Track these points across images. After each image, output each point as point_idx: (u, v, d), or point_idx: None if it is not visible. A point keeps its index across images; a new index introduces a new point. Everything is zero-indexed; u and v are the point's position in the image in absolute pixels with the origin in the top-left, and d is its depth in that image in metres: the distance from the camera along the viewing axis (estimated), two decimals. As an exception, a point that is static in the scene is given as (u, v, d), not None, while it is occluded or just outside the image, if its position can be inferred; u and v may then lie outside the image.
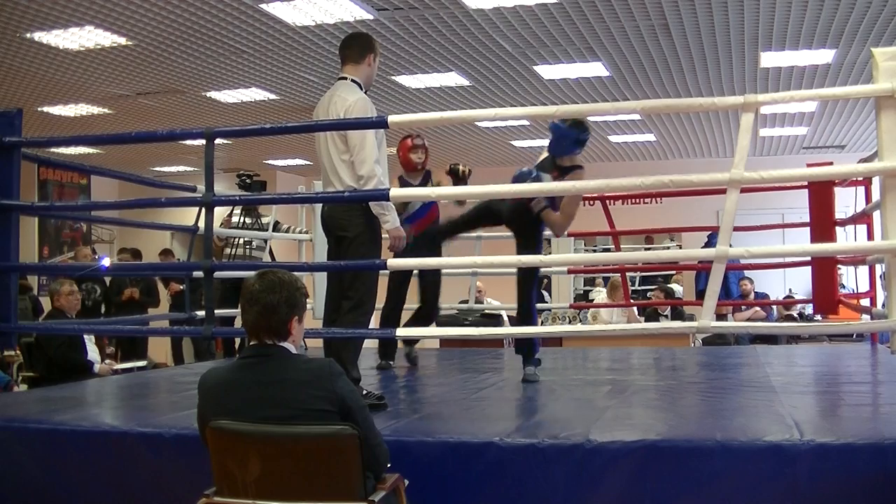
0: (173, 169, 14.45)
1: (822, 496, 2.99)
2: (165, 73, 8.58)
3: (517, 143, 12.81)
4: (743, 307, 9.97)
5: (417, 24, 7.23)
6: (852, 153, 13.12)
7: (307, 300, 2.96)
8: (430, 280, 5.81)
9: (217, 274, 4.79)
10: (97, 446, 3.65)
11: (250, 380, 2.68)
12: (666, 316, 9.83)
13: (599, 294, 12.35)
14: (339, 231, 4.25)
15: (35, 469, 3.71)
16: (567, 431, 3.33)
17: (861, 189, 6.39)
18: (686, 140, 12.69)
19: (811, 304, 7.22)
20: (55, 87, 9.08)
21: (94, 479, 3.63)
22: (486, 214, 5.11)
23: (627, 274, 8.49)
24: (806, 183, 6.27)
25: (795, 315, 10.03)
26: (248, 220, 7.78)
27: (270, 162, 14.10)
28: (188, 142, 11.02)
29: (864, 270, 6.96)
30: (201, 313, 5.28)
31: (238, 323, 3.86)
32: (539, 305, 11.21)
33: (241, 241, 7.69)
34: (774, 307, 10.16)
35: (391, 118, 4.08)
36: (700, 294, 8.37)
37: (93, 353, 7.03)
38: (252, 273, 2.82)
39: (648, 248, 12.79)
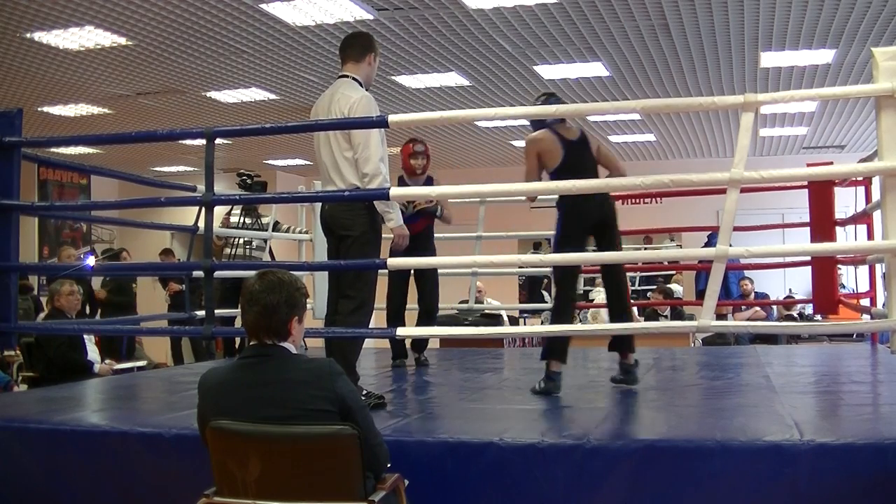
0: (173, 169, 14.46)
1: (822, 496, 2.99)
2: (165, 73, 8.58)
3: (517, 143, 12.80)
4: (743, 307, 9.97)
5: (417, 24, 7.23)
6: (852, 153, 13.12)
7: (307, 300, 2.96)
8: (428, 278, 5.84)
9: (217, 274, 4.79)
10: (97, 446, 3.65)
11: (250, 380, 2.68)
12: (665, 316, 9.84)
13: (599, 294, 12.34)
14: (342, 230, 4.24)
15: (35, 469, 3.71)
16: (567, 431, 3.34)
17: (861, 189, 6.39)
18: (686, 140, 12.69)
19: (811, 304, 7.22)
20: (55, 87, 9.08)
21: (94, 479, 3.63)
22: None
23: (628, 274, 8.48)
24: (806, 183, 6.28)
25: (795, 315, 10.03)
26: (248, 220, 7.77)
27: (270, 162, 14.11)
28: (188, 142, 11.03)
29: (864, 270, 6.96)
30: (201, 313, 5.28)
31: (238, 323, 3.86)
32: (539, 305, 11.23)
33: (241, 241, 7.68)
34: (774, 307, 10.17)
35: (391, 118, 4.08)
36: (700, 294, 8.36)
37: (93, 353, 7.03)
38: (252, 273, 2.82)
39: (647, 248, 12.79)
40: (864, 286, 6.93)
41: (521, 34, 7.49)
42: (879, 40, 7.55)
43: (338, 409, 2.64)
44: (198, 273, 5.13)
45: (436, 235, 6.01)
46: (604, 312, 9.43)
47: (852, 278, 8.26)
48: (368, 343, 7.79)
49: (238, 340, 7.28)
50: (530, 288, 14.46)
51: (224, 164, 13.40)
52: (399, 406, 4.19)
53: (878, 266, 6.10)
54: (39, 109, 10.02)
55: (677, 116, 11.00)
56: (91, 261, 11.33)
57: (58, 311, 6.88)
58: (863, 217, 6.13)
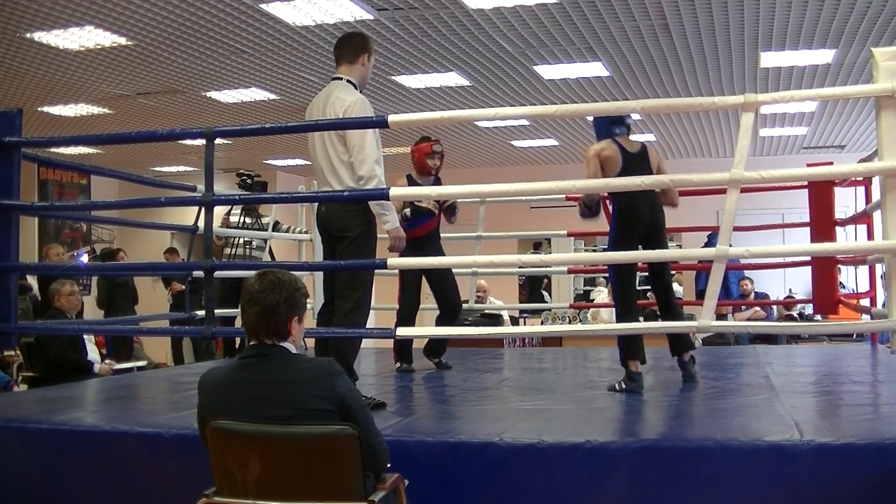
0: (173, 169, 14.46)
1: (822, 496, 2.99)
2: (165, 73, 8.58)
3: (517, 143, 12.81)
4: (743, 307, 9.97)
5: (417, 24, 7.23)
6: (852, 153, 13.12)
7: (307, 300, 2.96)
8: (449, 278, 5.70)
9: (217, 274, 4.79)
10: (97, 446, 3.65)
11: (250, 380, 2.69)
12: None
13: (600, 294, 12.35)
14: (339, 232, 4.25)
15: (35, 469, 3.71)
16: (567, 431, 3.34)
17: (861, 189, 6.39)
18: (686, 140, 12.69)
19: (811, 304, 7.22)
20: (55, 87, 9.08)
21: (94, 479, 3.63)
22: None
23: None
24: (806, 183, 6.28)
25: (795, 315, 10.03)
26: (248, 220, 7.78)
27: (270, 162, 14.11)
28: (188, 142, 11.02)
29: (864, 270, 6.96)
30: (201, 313, 5.28)
31: (238, 323, 3.86)
32: (539, 305, 11.22)
33: (241, 241, 7.69)
34: (774, 307, 10.17)
35: (391, 118, 4.08)
36: (700, 294, 8.37)
37: (93, 353, 7.03)
38: (252, 273, 2.82)
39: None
40: (864, 286, 6.93)
41: (521, 34, 7.49)
42: (879, 40, 7.54)
43: (338, 408, 2.64)
44: (198, 273, 5.12)
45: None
46: (604, 312, 9.47)
47: (852, 278, 8.26)
48: (368, 343, 7.80)
49: (238, 340, 7.28)
50: (530, 288, 14.47)
51: (224, 164, 13.40)
52: (399, 406, 4.19)
53: (878, 266, 6.10)
54: (39, 109, 10.02)
55: (677, 116, 11.00)
56: (85, 259, 11.34)
57: (58, 312, 6.88)
58: (863, 217, 6.13)
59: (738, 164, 3.72)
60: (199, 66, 8.35)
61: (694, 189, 5.45)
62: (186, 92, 9.42)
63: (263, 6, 6.70)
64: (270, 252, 7.86)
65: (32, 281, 8.48)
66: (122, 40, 7.45)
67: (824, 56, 8.12)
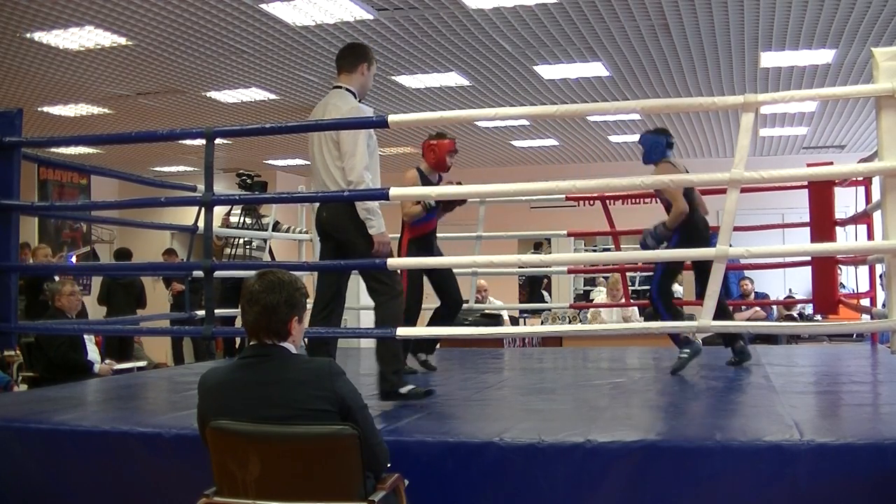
0: (173, 169, 14.46)
1: (822, 496, 2.99)
2: (165, 73, 8.58)
3: (517, 143, 12.81)
4: (743, 307, 9.97)
5: (417, 24, 7.23)
6: (852, 153, 13.12)
7: (307, 300, 2.96)
8: (449, 275, 5.63)
9: (217, 274, 4.79)
10: (97, 446, 3.65)
11: (250, 380, 2.68)
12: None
13: (600, 294, 12.35)
14: (341, 235, 4.28)
15: (35, 469, 3.71)
16: (567, 431, 3.33)
17: (861, 189, 6.39)
18: (686, 140, 12.69)
19: (811, 304, 7.22)
20: (55, 87, 9.08)
21: (94, 479, 3.63)
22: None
23: (628, 274, 8.49)
24: (806, 183, 6.27)
25: (795, 315, 10.03)
26: (248, 220, 7.78)
27: (270, 162, 14.11)
28: (188, 142, 11.02)
29: (864, 270, 6.96)
30: (201, 313, 5.28)
31: (238, 323, 3.86)
32: (539, 305, 11.21)
33: (241, 241, 7.69)
34: (774, 307, 10.16)
35: (391, 118, 4.08)
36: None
37: (93, 353, 7.03)
38: (252, 273, 2.82)
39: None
40: (864, 286, 6.93)
41: (521, 34, 7.49)
42: (879, 40, 7.54)
43: (338, 409, 2.64)
44: (198, 273, 5.12)
45: (443, 236, 5.95)
46: (604, 312, 9.46)
47: (852, 278, 8.26)
48: (368, 343, 7.79)
49: (238, 340, 7.28)
50: (530, 288, 14.46)
51: (224, 164, 13.40)
52: (399, 406, 4.19)
53: (877, 266, 6.10)
54: (39, 109, 10.02)
55: (677, 116, 11.00)
56: (74, 260, 11.34)
57: (58, 312, 6.88)
58: (863, 217, 6.13)
59: (738, 164, 3.72)
60: (199, 66, 8.35)
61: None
62: (186, 92, 9.42)
63: (263, 6, 6.70)
64: (270, 252, 7.86)
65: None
66: (122, 40, 7.45)
67: (824, 56, 8.12)
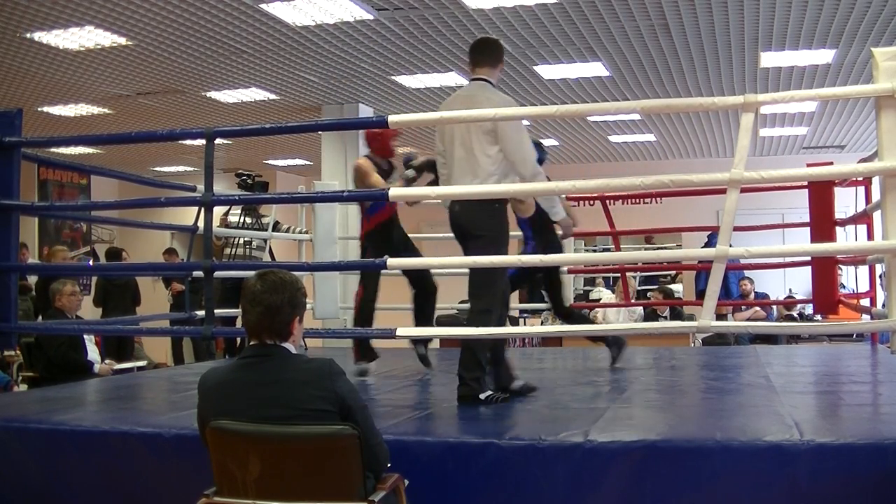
0: (173, 169, 14.46)
1: (822, 496, 2.99)
2: (165, 73, 8.58)
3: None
4: (743, 307, 9.97)
5: (417, 24, 7.23)
6: (852, 153, 13.12)
7: (307, 300, 2.96)
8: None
9: (217, 274, 4.78)
10: (97, 446, 3.65)
11: (250, 380, 2.68)
12: (665, 317, 9.84)
13: (600, 294, 12.34)
14: (477, 230, 4.26)
15: (35, 469, 3.71)
16: (567, 431, 3.33)
17: (861, 189, 6.39)
18: (686, 140, 12.69)
19: (811, 304, 7.21)
20: (55, 87, 9.08)
21: (94, 479, 3.63)
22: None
23: (628, 274, 8.50)
24: (806, 183, 6.27)
25: (795, 315, 10.03)
26: (248, 220, 7.77)
27: (270, 162, 14.11)
28: (188, 142, 11.02)
29: (864, 270, 6.96)
30: (201, 313, 5.28)
31: (239, 323, 3.86)
32: (539, 305, 11.26)
33: (241, 241, 7.69)
34: (774, 307, 10.16)
35: (391, 118, 4.08)
36: (700, 294, 8.37)
37: (93, 353, 7.02)
38: (252, 273, 2.82)
39: (648, 248, 12.78)
40: (864, 286, 6.93)
41: (521, 34, 7.49)
42: (879, 40, 7.55)
43: (338, 408, 2.64)
44: (198, 273, 5.12)
45: (436, 235, 5.95)
46: (611, 313, 9.48)
47: (852, 278, 8.26)
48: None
49: (238, 340, 7.27)
50: (530, 288, 14.43)
51: (224, 164, 13.40)
52: (399, 406, 4.19)
53: (877, 266, 6.10)
54: (39, 109, 10.02)
55: (677, 116, 11.00)
56: (90, 261, 11.35)
57: (58, 311, 6.88)
58: (863, 217, 6.13)
59: (738, 164, 3.72)
60: (199, 66, 8.35)
61: (694, 189, 5.45)
62: (186, 92, 9.42)
63: (263, 6, 6.70)
64: (270, 252, 7.85)
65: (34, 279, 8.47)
66: (122, 40, 7.45)
67: (824, 56, 8.12)
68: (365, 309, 5.54)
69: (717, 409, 4.00)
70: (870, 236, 6.33)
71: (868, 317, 5.89)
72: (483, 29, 7.30)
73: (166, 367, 9.21)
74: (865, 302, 6.64)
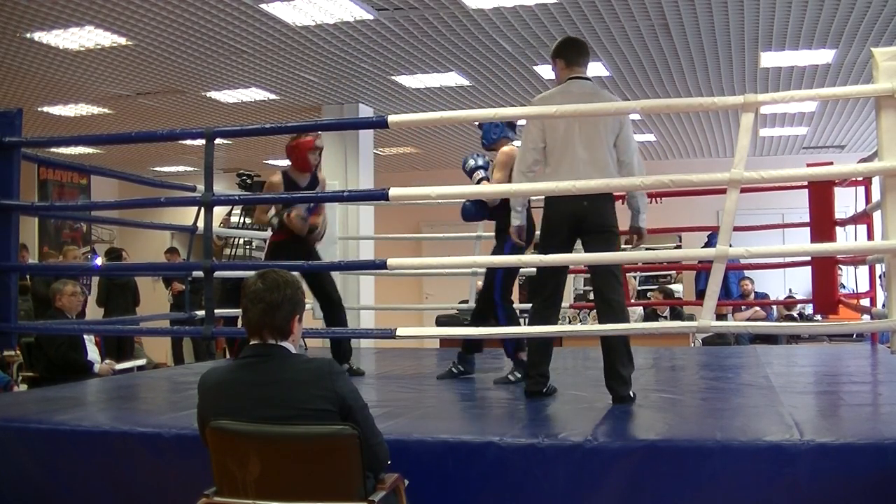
0: (173, 169, 14.45)
1: (822, 496, 2.99)
2: (165, 73, 8.58)
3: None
4: (743, 307, 9.97)
5: (417, 24, 7.23)
6: (852, 153, 13.12)
7: (307, 300, 2.97)
8: (321, 277, 5.43)
9: (217, 274, 4.78)
10: (97, 446, 3.65)
11: (250, 380, 2.69)
12: (665, 317, 9.84)
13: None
14: (606, 227, 4.33)
15: (35, 469, 3.71)
16: (567, 431, 3.34)
17: (861, 189, 6.39)
18: (686, 140, 12.68)
19: (811, 304, 7.21)
20: (55, 87, 9.08)
21: (94, 479, 3.63)
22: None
23: (628, 274, 8.49)
24: (806, 183, 6.27)
25: (795, 315, 10.03)
26: (248, 220, 7.78)
27: (270, 162, 14.09)
28: (188, 142, 11.02)
29: (864, 270, 6.96)
30: (201, 313, 5.28)
31: (239, 323, 3.86)
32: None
33: (241, 241, 7.71)
34: (774, 307, 10.16)
35: (391, 118, 4.08)
36: (700, 294, 8.37)
37: (93, 353, 7.03)
38: (252, 273, 2.83)
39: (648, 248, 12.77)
40: (864, 286, 6.93)
41: (521, 34, 7.49)
42: (879, 40, 7.54)
43: (338, 408, 2.64)
44: (198, 273, 5.12)
45: (436, 235, 5.95)
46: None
47: (852, 278, 8.26)
48: (368, 343, 7.80)
49: (238, 341, 7.27)
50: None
51: (224, 164, 13.39)
52: (399, 406, 4.19)
53: (877, 266, 6.10)
54: (39, 109, 10.02)
55: (677, 116, 11.00)
56: (99, 261, 11.36)
57: (58, 312, 6.88)
58: (863, 217, 6.13)
59: (738, 164, 3.72)
60: (199, 66, 8.35)
61: (694, 189, 5.45)
62: (186, 92, 9.42)
63: (263, 6, 6.70)
64: (270, 252, 7.84)
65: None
66: (122, 40, 7.45)
67: (824, 56, 8.12)
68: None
69: (717, 409, 4.00)
70: (870, 236, 6.33)
71: (868, 317, 5.89)
72: (483, 29, 7.30)
73: (166, 366, 9.21)
74: (865, 302, 6.64)
